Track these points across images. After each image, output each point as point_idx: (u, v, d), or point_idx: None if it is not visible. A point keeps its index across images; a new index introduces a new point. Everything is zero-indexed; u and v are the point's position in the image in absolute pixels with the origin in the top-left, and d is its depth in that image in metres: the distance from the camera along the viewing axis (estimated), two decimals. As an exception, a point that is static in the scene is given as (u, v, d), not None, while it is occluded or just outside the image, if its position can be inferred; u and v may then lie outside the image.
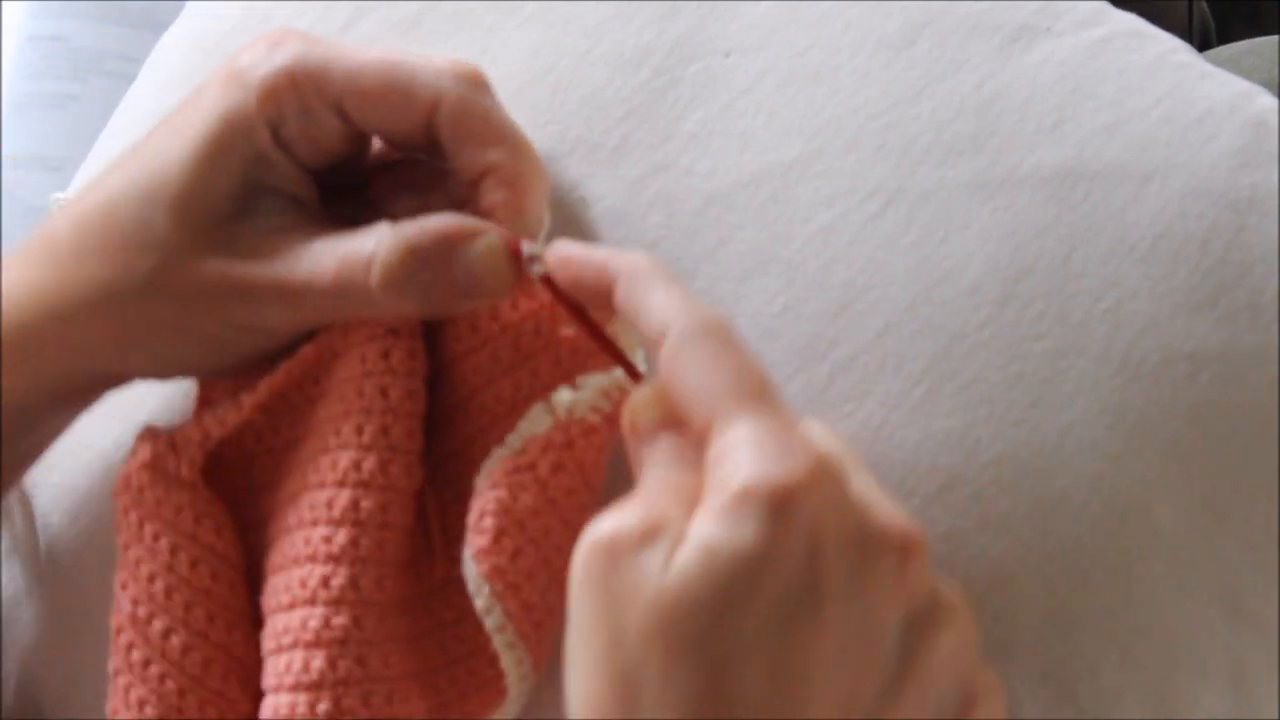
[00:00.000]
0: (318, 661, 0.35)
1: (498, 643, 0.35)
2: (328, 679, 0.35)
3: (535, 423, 0.35)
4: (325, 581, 0.36)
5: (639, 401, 0.33)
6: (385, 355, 0.36)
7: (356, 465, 0.36)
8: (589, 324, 0.35)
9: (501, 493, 0.35)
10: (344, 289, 0.35)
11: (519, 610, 0.35)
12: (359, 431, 0.36)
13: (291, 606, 0.36)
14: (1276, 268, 0.37)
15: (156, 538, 0.37)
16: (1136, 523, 0.36)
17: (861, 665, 0.29)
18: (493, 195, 0.36)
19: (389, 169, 0.40)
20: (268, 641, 0.37)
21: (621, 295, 0.33)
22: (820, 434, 0.33)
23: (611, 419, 0.36)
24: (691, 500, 0.30)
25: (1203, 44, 0.78)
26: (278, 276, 0.35)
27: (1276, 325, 0.37)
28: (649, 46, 0.43)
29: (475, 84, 0.36)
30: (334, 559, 0.36)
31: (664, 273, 0.33)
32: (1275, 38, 0.60)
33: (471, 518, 0.35)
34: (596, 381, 0.35)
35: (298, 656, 0.35)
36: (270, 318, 0.36)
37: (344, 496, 0.36)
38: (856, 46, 0.41)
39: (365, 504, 0.36)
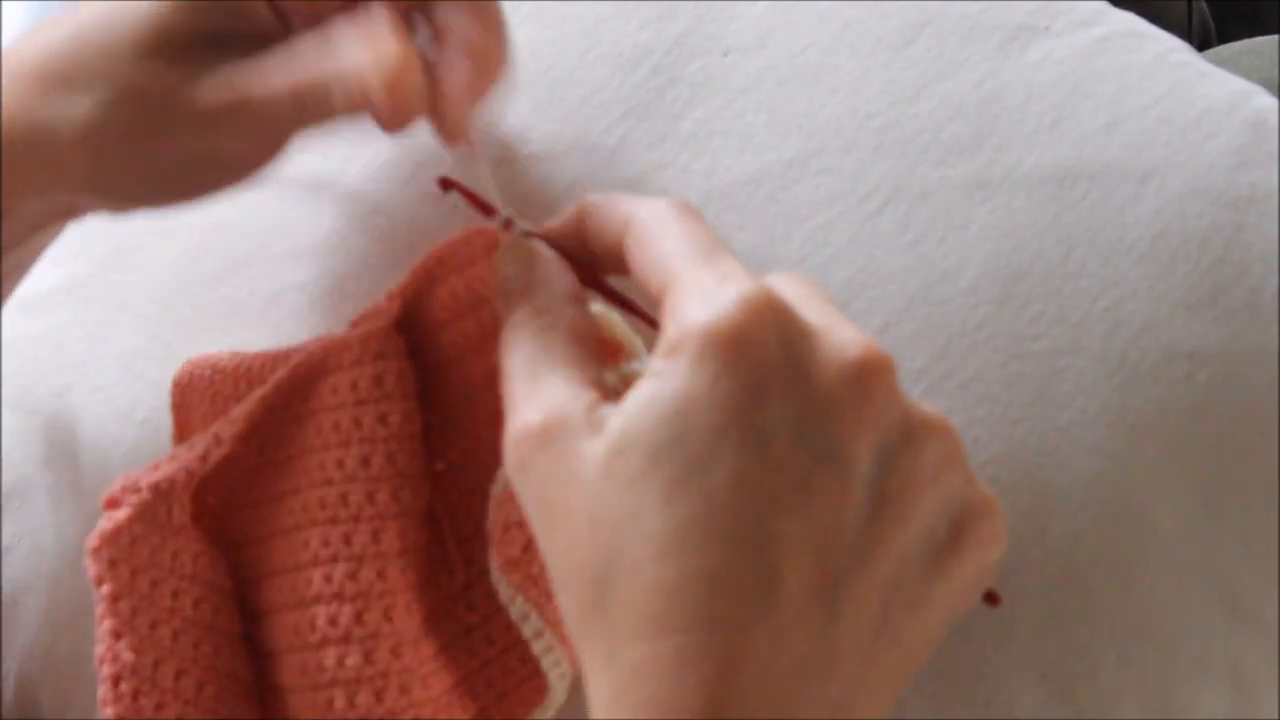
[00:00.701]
0: (362, 698, 0.36)
1: (537, 648, 0.36)
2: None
3: None
4: (359, 617, 0.36)
5: (499, 256, 0.34)
6: (378, 381, 0.36)
7: (370, 498, 0.36)
8: (587, 275, 0.35)
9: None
10: (301, 97, 0.34)
11: (555, 615, 0.35)
12: (365, 463, 0.36)
13: (323, 645, 0.36)
14: (1275, 267, 0.37)
15: (154, 586, 0.37)
16: (1135, 521, 0.36)
17: (830, 500, 0.28)
18: (455, 70, 0.35)
19: None
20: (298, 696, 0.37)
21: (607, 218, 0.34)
22: (781, 279, 0.33)
23: None
24: (579, 373, 0.31)
25: (1202, 44, 0.78)
26: (234, 92, 0.35)
27: (1275, 324, 0.37)
28: (648, 46, 0.43)
29: None
30: (363, 594, 0.36)
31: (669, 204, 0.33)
32: (1274, 37, 0.60)
33: (494, 529, 0.35)
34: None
35: (339, 695, 0.36)
36: (221, 140, 0.35)
37: (363, 530, 0.36)
38: (855, 46, 0.41)
39: (385, 536, 0.36)
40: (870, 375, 0.29)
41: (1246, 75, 0.42)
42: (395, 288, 0.37)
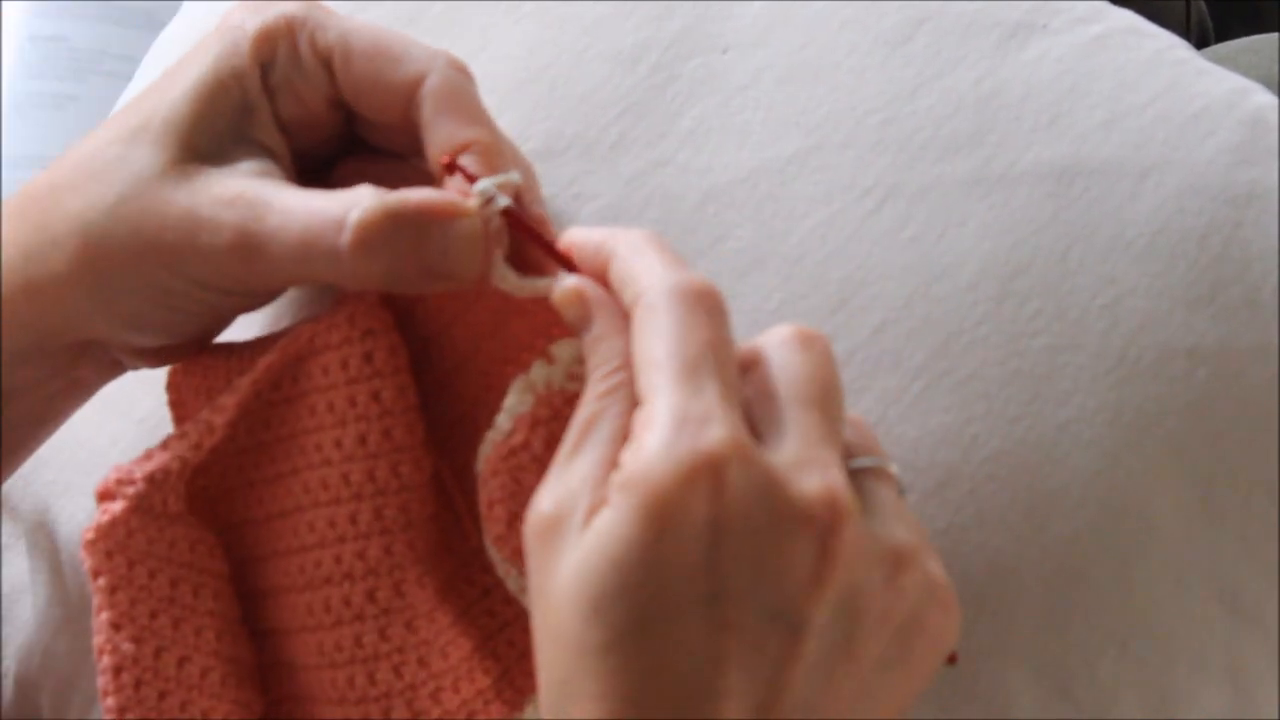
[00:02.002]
0: (381, 675, 0.36)
1: None
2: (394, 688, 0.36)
3: (519, 402, 0.35)
4: (371, 595, 0.36)
5: (559, 295, 0.33)
6: (368, 358, 0.36)
7: (370, 475, 0.36)
8: (557, 255, 0.34)
9: (504, 478, 0.35)
10: (310, 246, 0.34)
11: None
12: (362, 441, 0.36)
13: (337, 625, 0.36)
14: (1274, 264, 0.37)
15: (152, 576, 0.37)
16: (1134, 518, 0.36)
17: (781, 655, 0.28)
18: (469, 166, 0.35)
19: (358, 163, 0.40)
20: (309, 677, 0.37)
21: (614, 268, 0.33)
22: (781, 350, 0.32)
23: None
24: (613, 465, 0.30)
25: (1200, 42, 0.78)
26: (243, 221, 0.34)
27: (1274, 321, 0.37)
28: (646, 43, 0.43)
29: (464, 72, 0.36)
30: (373, 572, 0.36)
31: (659, 243, 0.33)
32: (1273, 35, 0.60)
33: (481, 506, 0.35)
34: (569, 349, 0.35)
35: (358, 672, 0.36)
36: (226, 271, 0.35)
37: (366, 509, 0.36)
38: (854, 43, 0.41)
39: (388, 511, 0.36)
40: (831, 535, 0.29)
41: (1245, 73, 0.42)
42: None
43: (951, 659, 0.33)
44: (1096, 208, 0.38)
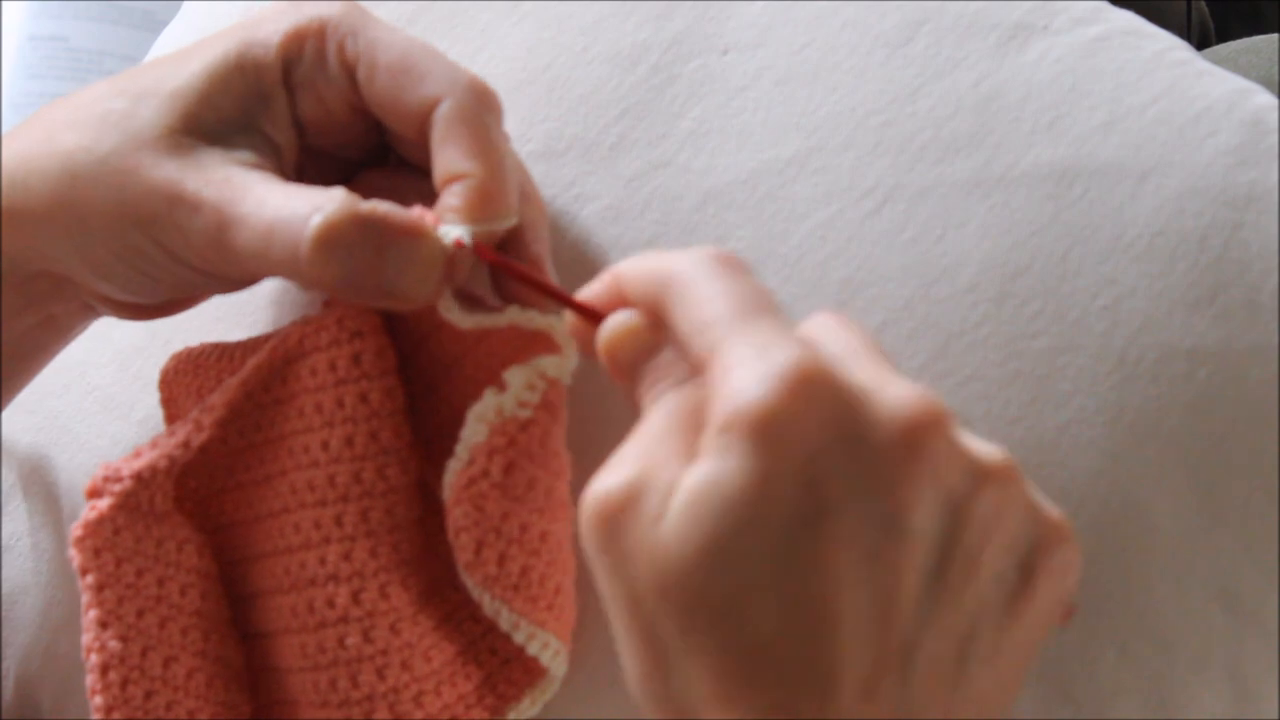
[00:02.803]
0: (365, 677, 0.36)
1: (518, 639, 0.36)
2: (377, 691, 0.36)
3: (474, 431, 0.35)
4: (355, 597, 0.36)
5: (613, 334, 0.32)
6: (356, 360, 0.36)
7: (356, 477, 0.36)
8: (531, 280, 0.34)
9: (466, 507, 0.35)
10: (272, 238, 0.33)
11: (526, 605, 0.35)
12: (349, 443, 0.36)
13: (321, 627, 0.36)
14: (1274, 265, 0.37)
15: (140, 574, 0.37)
16: (1134, 519, 0.36)
17: (894, 566, 0.28)
18: (450, 199, 0.35)
19: (379, 175, 0.40)
20: (294, 678, 0.37)
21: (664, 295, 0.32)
22: (824, 328, 0.32)
23: (547, 403, 0.36)
24: (691, 437, 0.29)
25: (1201, 43, 0.78)
26: (219, 203, 0.34)
27: (1274, 322, 0.37)
28: (646, 44, 0.43)
29: (484, 98, 0.36)
30: (358, 574, 0.36)
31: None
32: (1273, 36, 0.60)
33: (450, 533, 0.35)
34: (520, 375, 0.35)
35: (341, 675, 0.36)
36: (197, 249, 0.35)
37: (352, 510, 0.36)
38: (854, 44, 0.41)
39: (374, 514, 0.36)
40: (925, 434, 0.28)
41: (1245, 74, 0.42)
42: None
43: (1068, 613, 0.32)
44: (1096, 209, 0.38)
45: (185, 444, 0.37)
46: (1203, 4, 0.80)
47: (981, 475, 0.29)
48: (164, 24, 0.55)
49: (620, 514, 0.29)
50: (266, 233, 0.34)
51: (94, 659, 0.37)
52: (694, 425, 0.30)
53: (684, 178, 0.41)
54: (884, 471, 0.28)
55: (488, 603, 0.35)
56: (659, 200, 0.41)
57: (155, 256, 0.36)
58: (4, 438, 0.47)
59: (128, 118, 0.35)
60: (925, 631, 0.28)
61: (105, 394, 0.45)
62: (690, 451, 0.29)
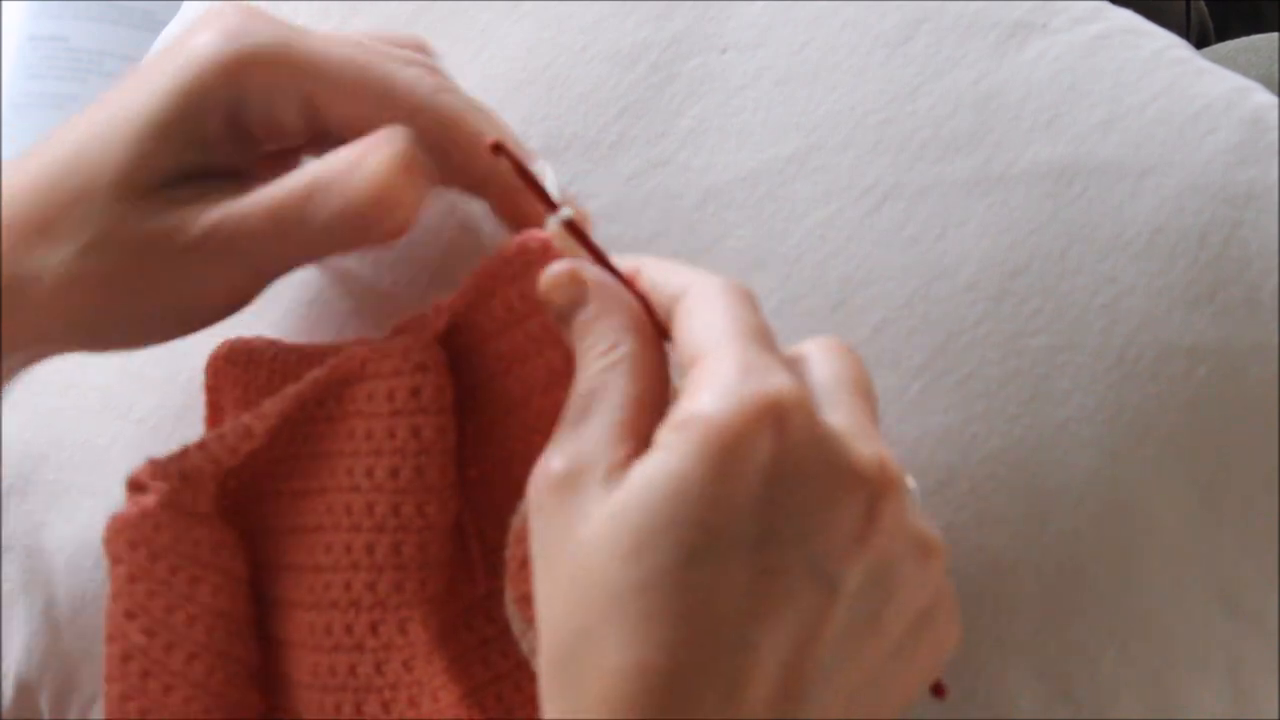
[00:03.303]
0: (369, 707, 0.36)
1: None
2: None
3: None
4: (374, 628, 0.36)
5: (548, 279, 0.33)
6: (415, 393, 0.36)
7: (395, 509, 0.36)
8: (619, 276, 0.34)
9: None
10: (314, 194, 0.34)
11: None
12: (394, 474, 0.36)
13: (336, 650, 0.36)
14: (1274, 263, 0.37)
15: (174, 572, 0.37)
16: (1134, 518, 0.36)
17: (813, 615, 0.28)
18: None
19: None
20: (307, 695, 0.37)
21: (647, 272, 0.33)
22: (821, 353, 0.32)
23: None
24: (626, 421, 0.30)
25: (1200, 43, 0.78)
26: (210, 222, 0.34)
27: (1274, 320, 0.37)
28: (646, 43, 0.43)
29: (443, 83, 0.36)
30: (380, 605, 0.36)
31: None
32: (1273, 35, 0.60)
33: (511, 562, 0.35)
34: None
35: (346, 700, 0.36)
36: (201, 278, 0.35)
37: (385, 541, 0.36)
38: (853, 43, 0.41)
39: (406, 548, 0.36)
40: (880, 499, 0.29)
41: (1244, 73, 0.42)
42: (445, 301, 0.36)
43: (938, 689, 0.33)
44: (1096, 207, 0.38)
45: (234, 449, 0.37)
46: (1202, 3, 0.80)
47: (920, 552, 0.30)
48: (164, 24, 0.55)
49: (564, 489, 0.29)
50: (271, 222, 0.34)
51: (115, 648, 0.37)
52: (642, 410, 0.31)
53: (683, 176, 0.41)
54: (834, 527, 0.29)
55: (529, 640, 0.35)
56: (659, 198, 0.41)
57: (164, 306, 0.36)
58: (4, 437, 0.47)
59: (89, 204, 0.34)
60: (823, 684, 0.29)
61: (105, 393, 0.45)
62: (635, 433, 0.30)
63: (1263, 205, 0.38)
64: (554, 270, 0.33)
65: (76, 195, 0.35)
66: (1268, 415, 0.37)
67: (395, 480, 0.35)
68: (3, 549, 0.47)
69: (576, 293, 0.32)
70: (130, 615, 0.37)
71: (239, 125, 0.35)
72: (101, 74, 0.75)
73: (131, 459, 0.41)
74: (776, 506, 0.28)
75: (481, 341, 0.36)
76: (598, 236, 0.35)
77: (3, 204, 0.35)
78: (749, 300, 0.32)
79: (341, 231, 0.34)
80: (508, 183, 0.35)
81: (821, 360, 0.32)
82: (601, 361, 0.31)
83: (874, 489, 0.29)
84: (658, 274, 0.33)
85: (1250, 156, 0.38)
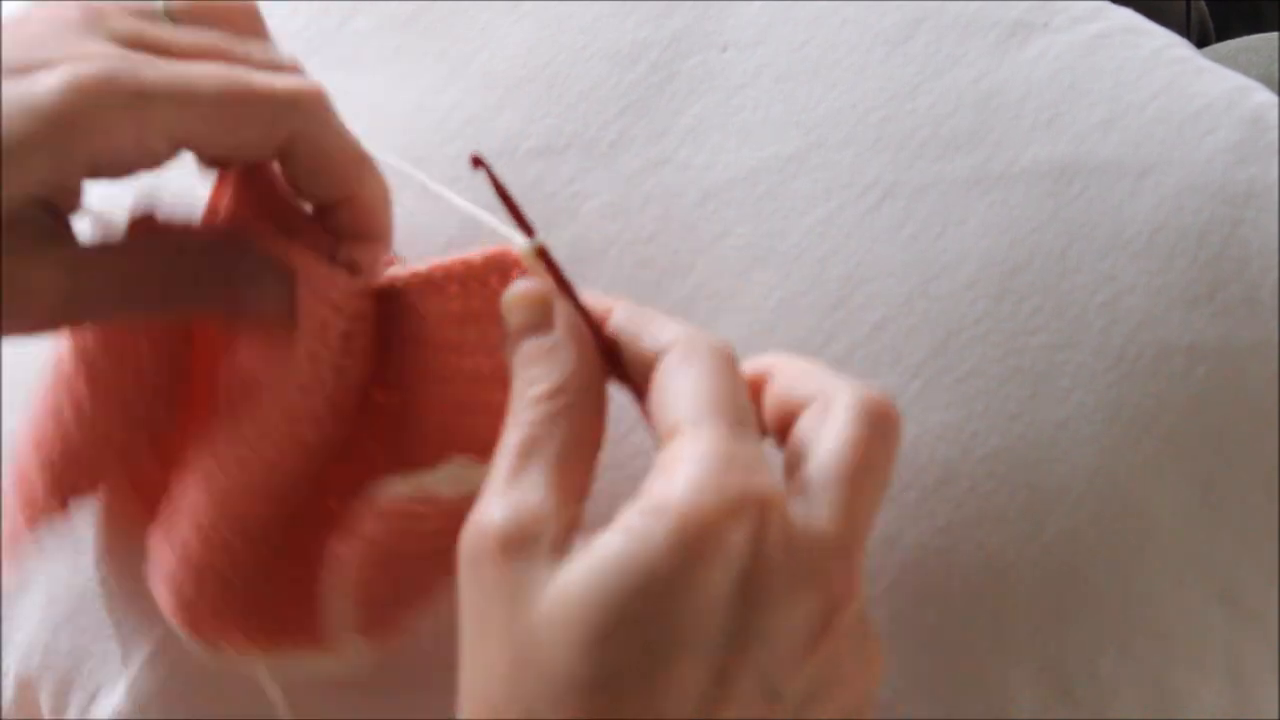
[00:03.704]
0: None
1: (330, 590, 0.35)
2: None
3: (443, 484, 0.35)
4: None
5: (515, 293, 0.32)
6: (347, 338, 0.36)
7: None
8: (585, 313, 0.33)
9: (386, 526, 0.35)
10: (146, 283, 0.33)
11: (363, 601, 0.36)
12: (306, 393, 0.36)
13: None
14: (1273, 262, 0.37)
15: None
16: (1133, 516, 0.36)
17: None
18: (346, 222, 0.35)
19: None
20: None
21: (620, 315, 0.32)
22: (834, 431, 0.30)
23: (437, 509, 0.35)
24: (577, 476, 0.29)
25: (1200, 42, 0.78)
26: (59, 283, 0.32)
27: (1274, 319, 0.37)
28: (646, 41, 0.43)
29: (321, 110, 0.34)
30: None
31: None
32: (1273, 35, 0.60)
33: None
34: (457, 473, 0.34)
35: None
36: (42, 315, 0.33)
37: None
38: (854, 42, 0.41)
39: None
40: (838, 611, 0.28)
41: (1244, 72, 0.42)
42: (405, 274, 0.36)
43: None
44: (1095, 206, 0.38)
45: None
46: (1202, 3, 0.81)
47: (865, 662, 0.29)
48: (164, 23, 0.55)
49: (507, 553, 0.28)
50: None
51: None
52: (581, 460, 0.30)
53: (684, 174, 0.41)
54: (789, 635, 0.28)
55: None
56: (659, 197, 0.41)
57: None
58: (4, 437, 0.47)
59: None
60: None
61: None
62: (574, 490, 0.29)
63: (1262, 204, 0.38)
64: (523, 287, 0.32)
65: None
66: (1267, 414, 0.37)
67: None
68: (3, 548, 0.47)
69: (539, 316, 0.31)
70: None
71: (94, 170, 0.32)
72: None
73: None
74: (740, 610, 0.27)
75: (424, 318, 0.36)
76: (598, 233, 0.35)
77: None
78: (732, 366, 0.30)
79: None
80: (368, 199, 0.35)
81: (834, 436, 0.30)
82: (545, 406, 0.30)
83: (835, 601, 0.28)
84: (638, 321, 0.32)
85: (1250, 155, 0.38)
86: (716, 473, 0.27)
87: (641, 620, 0.26)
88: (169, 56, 0.33)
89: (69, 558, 0.44)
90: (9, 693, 0.45)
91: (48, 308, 0.32)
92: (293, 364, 0.35)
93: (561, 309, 0.31)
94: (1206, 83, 0.40)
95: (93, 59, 0.31)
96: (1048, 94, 0.40)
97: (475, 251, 0.34)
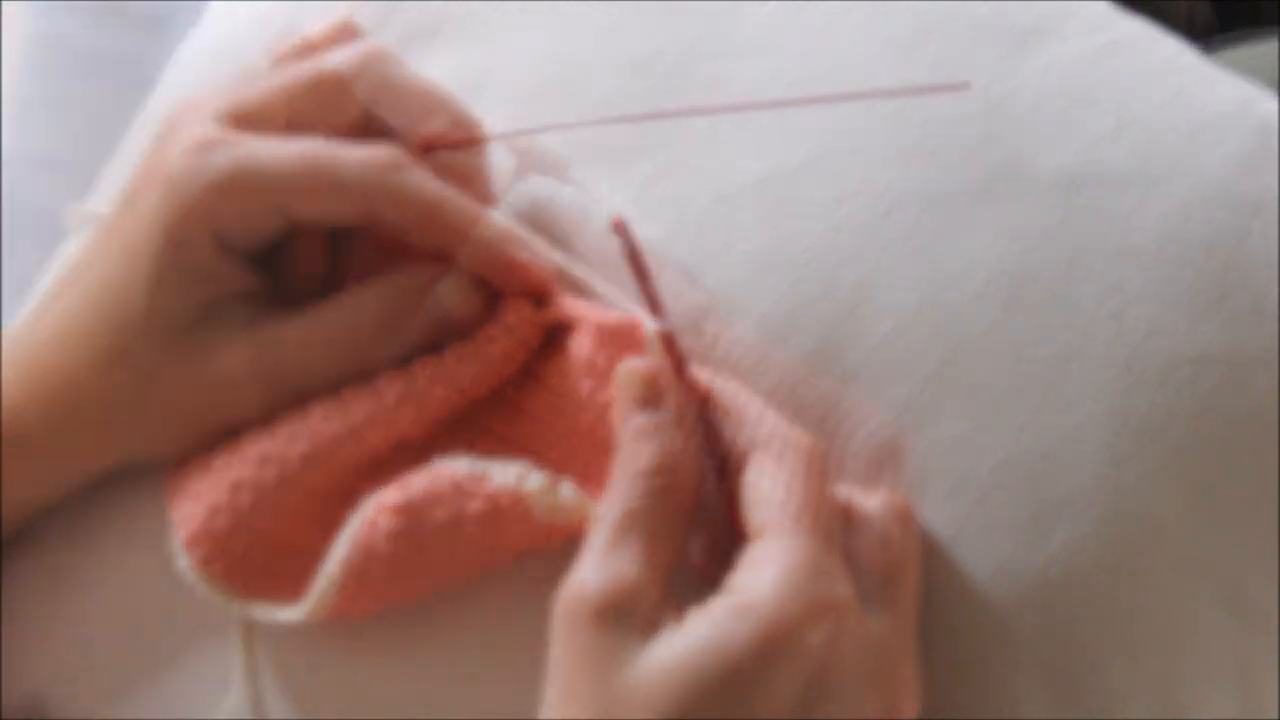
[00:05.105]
0: None
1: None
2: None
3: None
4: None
5: (630, 370, 0.34)
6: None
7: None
8: (698, 392, 0.36)
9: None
10: (343, 348, 0.38)
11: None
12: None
13: None
14: (1281, 272, 0.37)
15: None
16: (1141, 525, 0.36)
17: None
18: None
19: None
20: None
21: (728, 394, 0.35)
22: (875, 540, 0.33)
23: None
24: (661, 556, 0.31)
25: (1201, 44, 0.78)
26: (250, 362, 0.37)
27: (1280, 329, 0.37)
28: (659, 49, 0.43)
29: (396, 168, 0.38)
30: None
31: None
32: (1274, 35, 0.60)
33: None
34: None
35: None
36: (248, 402, 0.38)
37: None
38: (864, 49, 0.41)
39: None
40: (896, 711, 0.31)
41: (1246, 75, 0.42)
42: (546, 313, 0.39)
43: None
44: (1104, 215, 0.38)
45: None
46: (1199, 2, 0.80)
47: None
48: (164, 24, 0.55)
49: (603, 618, 0.30)
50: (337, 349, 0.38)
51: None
52: (673, 538, 0.32)
53: (696, 181, 0.41)
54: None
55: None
56: (671, 203, 0.41)
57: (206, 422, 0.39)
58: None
59: (124, 360, 0.38)
60: None
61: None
62: (665, 565, 0.31)
63: (1270, 214, 0.38)
64: (637, 365, 0.34)
65: (115, 346, 0.38)
66: (1273, 423, 0.37)
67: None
68: (2, 548, 0.46)
69: (650, 396, 0.34)
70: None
71: (228, 250, 0.38)
72: (101, 74, 0.75)
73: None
74: (808, 707, 0.29)
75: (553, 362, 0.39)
76: (612, 239, 0.36)
77: (34, 405, 0.39)
78: (823, 473, 0.33)
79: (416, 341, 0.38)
80: (488, 257, 0.38)
81: (876, 545, 0.33)
82: (647, 482, 0.32)
83: (894, 702, 0.31)
84: (739, 408, 0.34)
85: (1258, 165, 0.38)
86: (804, 581, 0.30)
87: (720, 703, 0.29)
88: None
89: (69, 557, 0.44)
90: (9, 693, 0.45)
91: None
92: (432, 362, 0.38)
93: (674, 392, 0.34)
94: (1215, 92, 0.40)
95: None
96: (1057, 103, 0.40)
97: (611, 315, 0.37)
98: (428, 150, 0.39)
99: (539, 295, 0.39)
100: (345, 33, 0.40)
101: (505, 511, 0.35)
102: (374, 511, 0.36)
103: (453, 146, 0.39)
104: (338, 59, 0.39)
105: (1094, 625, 0.36)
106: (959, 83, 0.33)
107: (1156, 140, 0.39)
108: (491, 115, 0.42)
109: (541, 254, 0.39)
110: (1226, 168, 0.38)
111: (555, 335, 0.39)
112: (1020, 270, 0.38)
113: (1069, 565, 0.36)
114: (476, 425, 0.39)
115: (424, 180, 0.38)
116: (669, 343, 0.35)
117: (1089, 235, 0.38)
